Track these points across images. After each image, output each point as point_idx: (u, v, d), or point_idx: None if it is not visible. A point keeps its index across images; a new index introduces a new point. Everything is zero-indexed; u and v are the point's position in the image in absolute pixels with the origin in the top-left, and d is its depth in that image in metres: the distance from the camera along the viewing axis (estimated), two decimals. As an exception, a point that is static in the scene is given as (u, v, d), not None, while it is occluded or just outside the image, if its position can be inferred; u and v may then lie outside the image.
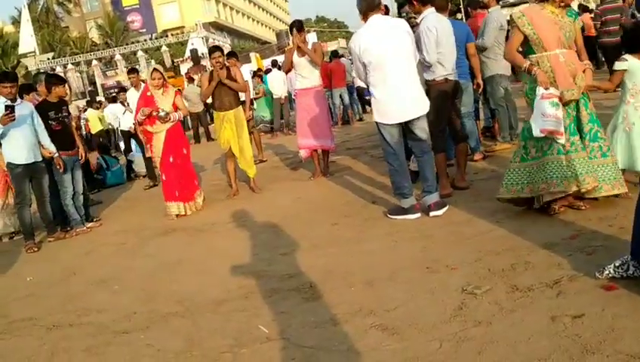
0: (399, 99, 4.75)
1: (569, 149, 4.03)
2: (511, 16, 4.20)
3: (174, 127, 6.75)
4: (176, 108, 6.75)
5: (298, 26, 7.00)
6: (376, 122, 4.90)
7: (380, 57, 4.70)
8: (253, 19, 73.68)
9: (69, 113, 7.08)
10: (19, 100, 6.32)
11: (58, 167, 6.51)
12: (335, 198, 6.19)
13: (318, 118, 7.09)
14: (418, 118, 4.80)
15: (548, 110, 3.96)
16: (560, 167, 4.02)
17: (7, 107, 5.94)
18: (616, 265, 3.01)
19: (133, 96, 9.50)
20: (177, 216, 6.67)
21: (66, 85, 7.27)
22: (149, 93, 6.70)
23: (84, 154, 7.01)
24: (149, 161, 9.14)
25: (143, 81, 9.08)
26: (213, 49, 7.14)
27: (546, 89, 3.99)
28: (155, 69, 6.97)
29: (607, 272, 3.02)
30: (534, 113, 4.06)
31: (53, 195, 6.64)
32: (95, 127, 16.91)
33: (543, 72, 4.03)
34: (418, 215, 4.86)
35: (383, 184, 6.29)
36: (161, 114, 6.56)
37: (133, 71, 10.12)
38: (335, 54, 14.88)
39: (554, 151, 4.05)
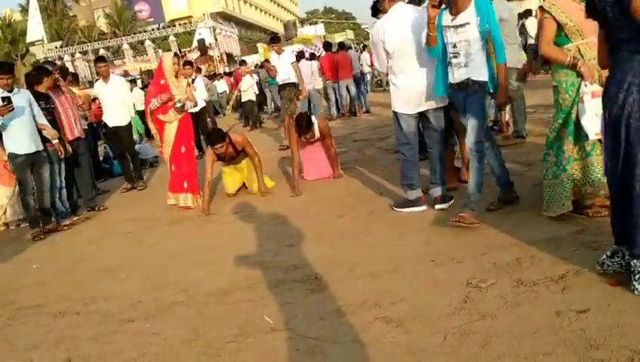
0: (419, 89, 4.70)
1: None
2: (541, 7, 3.95)
3: (185, 116, 6.69)
4: (186, 98, 6.69)
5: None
6: (394, 111, 4.87)
7: (402, 46, 4.64)
8: (261, 10, 73.50)
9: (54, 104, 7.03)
10: (16, 90, 6.32)
11: (60, 153, 6.59)
12: (341, 190, 6.20)
13: (316, 153, 6.98)
14: (435, 109, 4.77)
15: (601, 109, 3.76)
16: (600, 169, 3.82)
17: (3, 98, 5.94)
18: (608, 255, 3.02)
19: (102, 89, 8.47)
20: (183, 207, 6.62)
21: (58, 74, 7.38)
22: (162, 82, 6.54)
23: (62, 150, 6.71)
24: (126, 163, 8.75)
25: (123, 72, 8.67)
26: (215, 139, 6.30)
27: (591, 84, 3.71)
28: (175, 54, 6.91)
29: (606, 265, 3.03)
30: (586, 114, 3.73)
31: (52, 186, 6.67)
32: None
33: (588, 67, 3.74)
34: (424, 207, 4.86)
35: (389, 176, 6.28)
36: (178, 105, 6.46)
37: (101, 59, 9.06)
38: (342, 46, 14.83)
39: (597, 150, 3.83)
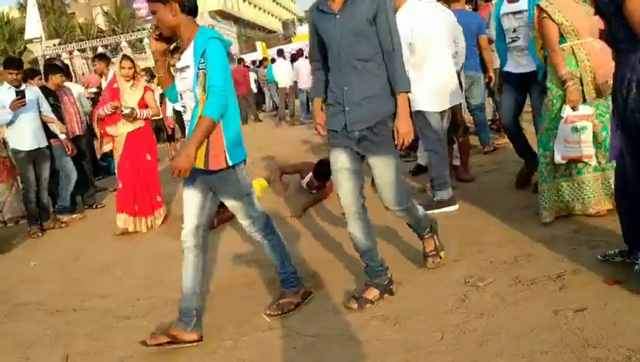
0: (443, 85, 4.62)
1: (605, 166, 3.79)
2: (538, 5, 3.91)
3: (138, 130, 5.81)
4: (144, 106, 5.83)
5: None
6: (420, 111, 4.51)
7: (429, 40, 4.50)
8: (260, 8, 73.40)
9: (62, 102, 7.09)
10: (24, 85, 6.36)
11: (67, 149, 6.61)
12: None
13: None
14: (452, 107, 4.76)
15: (570, 136, 3.72)
16: (597, 186, 3.83)
17: (17, 92, 6.01)
18: (615, 251, 3.10)
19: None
20: (124, 233, 5.81)
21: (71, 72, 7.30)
22: (115, 85, 5.77)
23: (70, 147, 6.67)
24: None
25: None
26: None
27: (573, 109, 3.71)
28: (125, 56, 5.98)
29: (610, 256, 3.11)
30: (557, 137, 3.81)
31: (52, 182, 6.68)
32: None
33: (577, 91, 3.71)
34: (457, 206, 4.68)
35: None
36: (126, 111, 5.64)
37: (100, 57, 8.27)
38: None
39: (589, 169, 3.82)
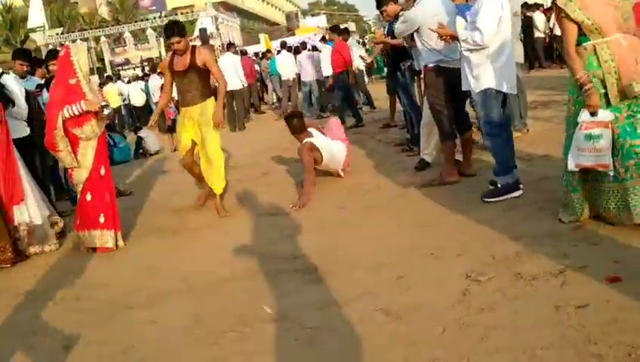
0: (514, 65, 4.57)
1: (624, 177, 3.44)
2: (555, 4, 3.52)
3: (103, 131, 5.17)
4: None
5: None
6: (491, 89, 4.44)
7: (510, 15, 4.40)
8: (263, 0, 73.16)
9: None
10: (28, 76, 6.42)
11: None
12: (340, 182, 6.18)
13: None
14: None
15: (583, 144, 3.47)
16: (615, 197, 3.54)
17: (39, 85, 6.28)
18: None
19: None
20: (99, 248, 5.00)
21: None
22: (72, 81, 4.88)
23: None
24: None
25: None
26: (170, 32, 5.40)
27: (592, 114, 3.42)
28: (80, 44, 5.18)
29: None
30: (573, 143, 3.58)
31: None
32: (113, 103, 17.28)
33: (595, 95, 3.41)
34: (521, 191, 4.53)
35: (388, 168, 6.28)
36: (106, 111, 5.06)
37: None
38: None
39: (609, 178, 3.51)
